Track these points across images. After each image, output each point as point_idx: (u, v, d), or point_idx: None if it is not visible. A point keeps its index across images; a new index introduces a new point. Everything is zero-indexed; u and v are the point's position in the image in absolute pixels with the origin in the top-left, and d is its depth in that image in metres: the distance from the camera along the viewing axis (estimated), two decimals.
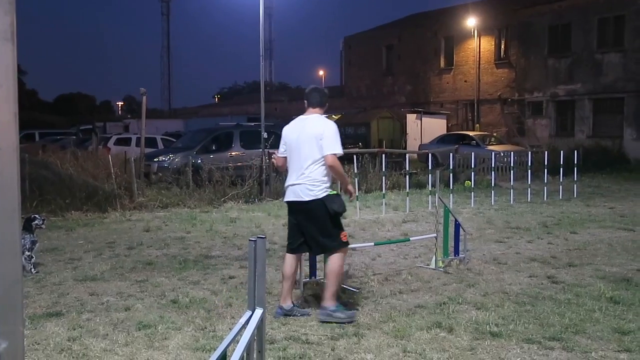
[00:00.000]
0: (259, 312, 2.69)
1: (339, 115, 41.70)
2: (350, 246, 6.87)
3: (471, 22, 33.84)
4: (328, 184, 5.51)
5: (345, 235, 5.59)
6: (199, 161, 16.43)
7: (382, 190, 13.41)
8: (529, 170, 15.04)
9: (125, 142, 24.92)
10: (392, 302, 6.07)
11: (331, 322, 5.31)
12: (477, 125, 33.92)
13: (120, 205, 12.43)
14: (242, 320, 2.67)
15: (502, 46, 33.88)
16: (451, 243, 7.75)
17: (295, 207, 5.58)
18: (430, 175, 13.95)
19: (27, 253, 7.09)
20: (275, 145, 17.66)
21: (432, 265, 7.49)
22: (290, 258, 5.74)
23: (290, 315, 5.56)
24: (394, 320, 5.44)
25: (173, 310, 5.77)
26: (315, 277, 6.65)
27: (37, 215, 7.64)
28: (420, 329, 5.18)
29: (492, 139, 26.12)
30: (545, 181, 14.96)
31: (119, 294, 6.36)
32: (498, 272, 7.28)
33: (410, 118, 32.20)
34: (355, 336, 5.03)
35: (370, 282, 6.81)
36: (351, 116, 34.80)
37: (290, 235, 5.76)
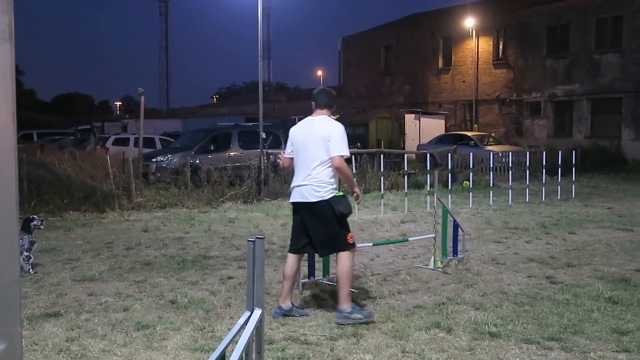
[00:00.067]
0: (257, 312, 2.69)
1: (337, 116, 41.69)
2: None
3: (469, 22, 33.85)
4: (334, 186, 5.50)
5: (351, 237, 5.58)
6: (197, 161, 16.42)
7: (380, 191, 13.41)
8: (527, 171, 15.05)
9: (124, 142, 24.91)
10: (390, 302, 6.07)
11: (349, 324, 5.29)
12: (476, 125, 33.93)
13: (119, 205, 12.42)
14: (241, 320, 2.67)
15: (501, 46, 33.89)
16: (450, 243, 7.75)
17: (301, 208, 5.56)
18: (428, 175, 13.95)
19: (25, 254, 7.08)
20: (274, 145, 17.81)
21: (431, 266, 7.49)
22: (292, 258, 5.74)
23: (289, 316, 5.55)
24: (392, 320, 5.44)
25: (172, 310, 5.76)
26: (314, 278, 6.65)
27: (35, 216, 7.63)
28: (419, 329, 5.18)
29: (491, 139, 26.13)
30: (544, 181, 14.97)
31: (117, 294, 6.36)
32: (496, 273, 7.28)
33: (409, 118, 32.20)
34: (354, 336, 5.03)
35: (369, 283, 6.81)
36: (349, 116, 34.78)
37: (294, 235, 5.75)
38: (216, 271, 7.39)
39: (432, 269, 7.40)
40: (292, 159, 5.72)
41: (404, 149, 28.68)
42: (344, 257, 5.49)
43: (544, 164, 15.12)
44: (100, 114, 70.91)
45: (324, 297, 6.27)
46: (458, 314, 5.62)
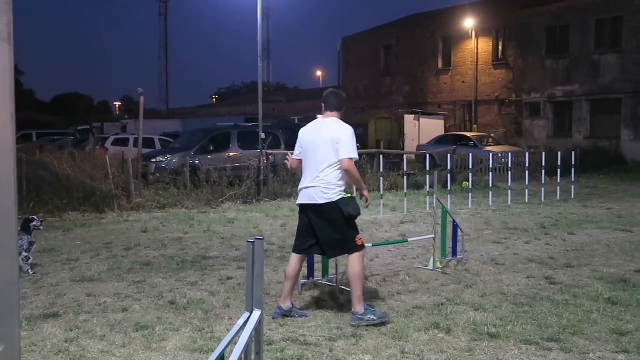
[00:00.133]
0: (256, 313, 2.68)
1: None
2: None
3: (469, 22, 33.86)
4: (343, 188, 5.48)
5: (360, 238, 5.57)
6: (197, 161, 16.42)
7: (379, 191, 13.40)
8: (527, 171, 15.06)
9: (123, 142, 24.90)
10: (390, 302, 6.07)
11: (363, 325, 5.28)
12: (475, 125, 33.94)
13: (118, 205, 12.41)
14: (240, 321, 2.66)
15: (500, 47, 33.90)
16: (449, 244, 7.75)
17: (309, 210, 5.55)
18: (427, 175, 13.96)
19: (24, 254, 7.08)
20: (273, 145, 17.78)
21: (430, 266, 7.49)
22: (295, 258, 5.74)
23: (288, 316, 5.55)
24: (391, 320, 5.44)
25: (170, 311, 5.75)
26: (312, 278, 6.65)
27: (34, 216, 7.62)
28: (418, 330, 5.18)
29: (490, 140, 26.15)
30: (543, 182, 14.98)
31: (116, 294, 6.35)
32: (496, 273, 7.28)
33: (408, 118, 32.20)
34: (353, 337, 5.03)
35: (368, 283, 6.80)
36: (349, 116, 34.74)
37: (299, 236, 5.74)
38: (215, 271, 7.39)
39: (432, 270, 7.40)
40: (300, 160, 5.70)
41: (403, 149, 28.68)
42: (353, 258, 5.48)
43: (543, 164, 15.13)
44: (99, 114, 70.83)
45: (323, 298, 6.27)
46: (457, 315, 5.62)
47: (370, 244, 8.02)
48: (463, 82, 35.48)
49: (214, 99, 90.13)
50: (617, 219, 11.60)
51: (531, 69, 31.56)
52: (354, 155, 5.45)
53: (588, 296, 6.18)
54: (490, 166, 15.94)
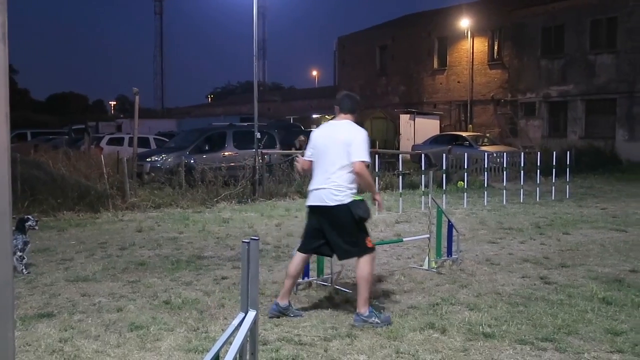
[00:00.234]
0: (252, 314, 2.68)
1: (332, 116, 41.71)
2: None
3: (465, 23, 33.91)
4: (354, 190, 5.46)
5: (370, 241, 5.56)
6: (192, 161, 16.41)
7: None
8: (522, 171, 15.08)
9: (118, 141, 24.83)
10: (385, 302, 6.07)
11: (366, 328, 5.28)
12: (470, 125, 33.99)
13: (113, 205, 12.39)
14: (235, 322, 2.66)
15: (496, 47, 33.97)
16: (444, 244, 7.75)
17: (319, 212, 5.53)
18: (423, 175, 13.97)
19: (18, 254, 7.06)
20: (269, 145, 17.76)
21: (425, 266, 7.50)
22: (299, 257, 5.73)
23: (284, 314, 5.55)
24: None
25: (165, 311, 5.74)
26: (308, 278, 6.64)
27: (29, 216, 7.60)
28: (413, 330, 5.18)
29: (485, 140, 26.19)
30: (538, 182, 15.01)
31: (111, 294, 6.34)
32: (491, 273, 7.29)
33: (404, 118, 32.22)
34: (349, 337, 5.02)
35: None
36: None
37: (307, 236, 5.72)
38: (210, 271, 7.38)
39: (427, 270, 7.40)
40: (311, 162, 5.68)
41: (398, 149, 28.70)
42: (363, 261, 5.47)
43: (538, 164, 15.16)
44: (94, 113, 70.72)
45: (318, 298, 6.26)
46: (452, 315, 5.62)
47: None
48: (459, 82, 35.53)
49: (210, 99, 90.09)
50: (612, 219, 11.63)
51: (527, 69, 31.63)
52: (366, 158, 5.43)
53: (583, 296, 6.19)
54: (486, 166, 15.96)
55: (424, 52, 37.40)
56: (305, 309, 5.82)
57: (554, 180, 15.20)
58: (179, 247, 8.97)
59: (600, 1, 28.33)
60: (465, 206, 13.47)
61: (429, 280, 6.98)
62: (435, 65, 36.96)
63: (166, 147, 20.02)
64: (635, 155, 25.61)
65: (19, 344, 4.73)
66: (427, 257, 7.57)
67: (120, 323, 5.36)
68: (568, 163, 15.74)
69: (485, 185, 14.96)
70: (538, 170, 15.18)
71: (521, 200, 14.27)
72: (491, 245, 9.10)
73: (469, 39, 34.28)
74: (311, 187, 5.62)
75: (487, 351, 4.72)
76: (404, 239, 8.57)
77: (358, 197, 5.47)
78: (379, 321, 5.32)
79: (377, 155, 14.21)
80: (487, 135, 28.30)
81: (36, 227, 7.61)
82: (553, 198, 14.75)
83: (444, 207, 10.44)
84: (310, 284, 6.64)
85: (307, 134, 22.39)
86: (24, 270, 7.10)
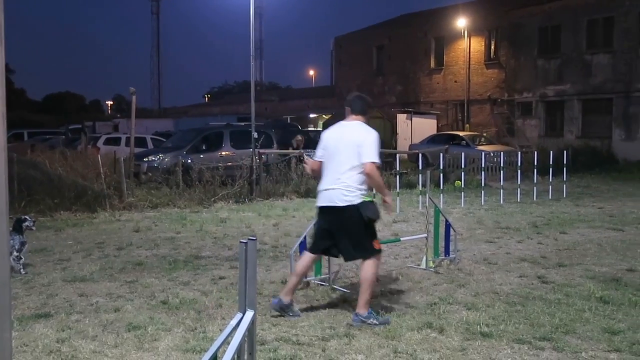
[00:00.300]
0: (249, 314, 2.68)
1: (330, 115, 41.69)
2: None
3: (461, 22, 33.92)
4: (364, 191, 5.45)
5: (378, 243, 5.55)
6: (189, 161, 16.39)
7: (372, 190, 13.38)
8: (519, 171, 15.10)
9: (115, 141, 24.82)
10: (382, 302, 6.06)
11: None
12: (467, 125, 34.01)
13: (110, 205, 12.37)
14: (233, 322, 2.66)
15: (492, 47, 33.98)
16: (442, 243, 7.75)
17: (329, 212, 5.52)
18: (420, 175, 13.98)
19: (15, 254, 7.04)
20: (266, 145, 17.75)
21: (423, 266, 7.50)
22: (308, 257, 5.74)
23: (284, 310, 5.55)
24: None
25: (163, 311, 5.73)
26: (305, 278, 6.63)
27: (27, 217, 7.58)
28: (411, 330, 5.18)
29: (482, 139, 26.20)
30: (535, 181, 15.02)
31: (108, 294, 6.33)
32: (488, 272, 7.29)
33: (401, 118, 32.22)
34: (346, 337, 5.02)
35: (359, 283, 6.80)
36: (341, 116, 34.65)
37: (316, 237, 5.74)
38: (208, 271, 7.37)
39: (424, 269, 7.41)
40: (321, 162, 5.67)
41: (396, 148, 28.70)
42: (368, 263, 5.47)
43: (535, 163, 15.18)
44: (91, 113, 70.61)
45: (315, 298, 6.26)
46: (450, 314, 5.62)
47: None
48: (455, 81, 35.55)
49: (207, 99, 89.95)
50: (609, 218, 11.65)
51: (523, 69, 31.65)
52: (377, 160, 5.42)
53: (580, 295, 6.19)
54: (483, 166, 15.97)
55: (420, 51, 37.41)
56: (303, 309, 5.81)
57: (551, 180, 15.21)
58: (176, 247, 8.96)
59: (597, 1, 28.35)
60: (462, 206, 13.48)
61: (427, 279, 6.98)
62: (432, 64, 36.97)
63: (163, 147, 20.01)
64: (632, 155, 25.66)
65: (16, 345, 4.72)
66: (424, 257, 7.57)
67: (118, 323, 5.36)
68: (565, 162, 15.76)
69: (483, 184, 14.97)
70: (535, 170, 15.19)
71: (518, 200, 14.29)
72: (488, 245, 9.11)
73: (466, 39, 34.29)
74: (321, 187, 5.61)
75: (485, 350, 4.72)
76: (402, 239, 8.57)
77: (368, 198, 5.46)
78: (377, 322, 5.32)
79: None
80: (484, 134, 28.32)
81: (33, 228, 7.59)
82: (550, 197, 14.77)
83: (441, 206, 10.44)
84: (308, 283, 6.64)
85: (305, 134, 22.48)
86: (22, 270, 7.08)
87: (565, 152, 16.37)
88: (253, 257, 2.71)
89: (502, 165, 15.49)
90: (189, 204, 13.14)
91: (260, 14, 71.55)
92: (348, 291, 6.41)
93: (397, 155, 15.90)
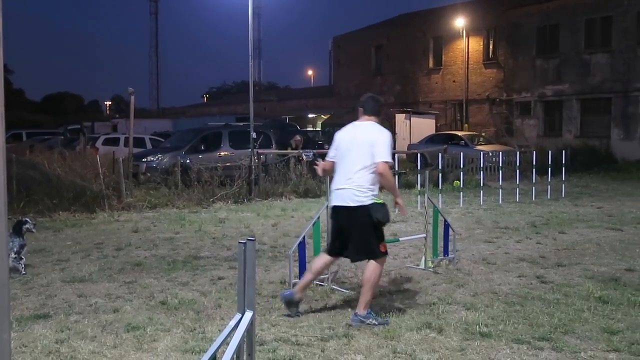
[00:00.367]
0: (248, 314, 2.67)
1: (328, 115, 41.73)
2: None
3: (460, 22, 33.94)
4: (375, 192, 5.45)
5: (384, 246, 5.56)
6: (188, 161, 16.38)
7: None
8: (518, 170, 15.10)
9: (114, 142, 24.81)
10: (381, 302, 6.06)
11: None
12: (466, 125, 34.02)
13: (109, 205, 12.36)
14: (232, 322, 2.66)
15: (491, 47, 34.00)
16: (440, 243, 7.76)
17: (341, 212, 5.53)
18: (419, 175, 13.98)
19: (13, 255, 7.03)
20: (265, 145, 17.74)
21: (422, 266, 7.50)
22: (325, 258, 5.76)
23: (290, 305, 5.58)
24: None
25: (162, 311, 5.73)
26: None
27: (28, 219, 7.58)
28: (410, 330, 5.18)
29: (481, 139, 26.21)
30: (534, 181, 15.03)
31: (107, 295, 6.32)
32: (487, 272, 7.29)
33: (399, 118, 32.23)
34: (345, 337, 5.02)
35: (360, 283, 6.79)
36: (340, 116, 34.83)
37: (332, 237, 5.76)
38: (207, 272, 7.37)
39: (423, 269, 7.41)
40: (333, 163, 5.68)
41: (394, 148, 28.69)
42: (372, 265, 5.48)
43: (534, 163, 15.18)
44: (90, 113, 70.49)
45: (315, 298, 6.25)
46: (449, 314, 5.62)
47: None
48: (454, 81, 35.56)
49: (205, 99, 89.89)
50: (608, 218, 11.65)
51: (522, 69, 31.68)
52: (390, 159, 5.43)
53: (579, 295, 6.20)
54: (481, 165, 15.97)
55: (419, 51, 37.42)
56: (302, 309, 5.81)
57: (549, 180, 15.22)
58: (175, 247, 8.95)
59: (595, 0, 28.39)
60: (461, 205, 13.48)
61: (426, 279, 6.98)
62: (431, 64, 36.98)
63: (162, 147, 19.99)
64: (631, 154, 25.69)
65: (15, 345, 4.72)
66: (423, 257, 7.57)
67: (117, 324, 5.35)
68: (563, 162, 15.76)
69: (481, 184, 14.97)
70: (534, 170, 15.19)
71: (517, 200, 14.29)
72: (487, 245, 9.11)
73: (464, 39, 34.31)
74: (333, 187, 5.63)
75: (484, 351, 4.72)
76: (401, 239, 8.56)
77: (379, 201, 5.46)
78: (376, 323, 5.32)
79: None
80: (483, 134, 28.32)
81: (34, 230, 7.60)
82: (549, 197, 14.78)
83: (440, 206, 10.45)
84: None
85: (303, 134, 22.46)
86: (23, 270, 7.08)
87: (563, 151, 16.37)
88: (252, 257, 2.71)
89: (500, 165, 15.49)
90: (187, 205, 13.14)
91: (258, 14, 71.47)
92: (347, 291, 6.41)
93: (396, 155, 15.89)
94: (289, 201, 14.24)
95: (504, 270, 7.42)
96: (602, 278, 6.94)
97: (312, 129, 38.19)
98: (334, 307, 5.91)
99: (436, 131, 31.34)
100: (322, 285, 6.61)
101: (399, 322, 5.39)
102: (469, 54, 34.54)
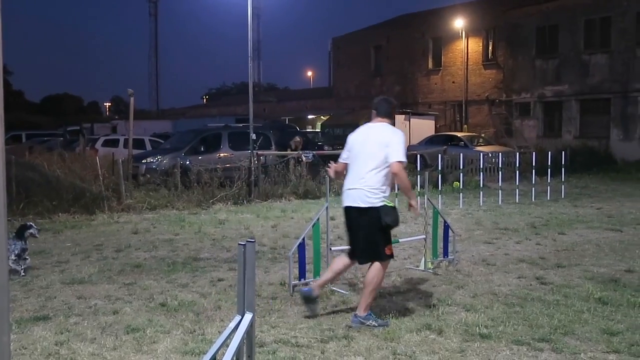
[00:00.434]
0: (248, 316, 2.67)
1: (328, 116, 41.70)
2: (338, 248, 6.87)
3: (459, 23, 33.94)
4: (386, 194, 5.45)
5: (390, 249, 5.55)
6: (188, 162, 16.38)
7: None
8: (517, 171, 15.10)
9: (113, 143, 24.80)
10: (381, 304, 6.06)
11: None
12: (465, 126, 34.01)
13: (108, 207, 12.36)
14: (232, 324, 2.65)
15: (490, 47, 34.00)
16: (440, 244, 7.76)
17: (351, 212, 5.54)
18: (418, 176, 13.97)
19: (13, 257, 7.02)
20: (264, 146, 17.73)
21: (422, 267, 7.50)
22: (346, 260, 5.75)
23: (308, 301, 5.63)
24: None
25: (162, 313, 5.73)
26: (304, 279, 6.63)
27: (32, 224, 7.59)
28: (409, 331, 5.17)
29: (480, 140, 26.22)
30: (533, 182, 15.03)
31: (107, 297, 6.32)
32: (487, 274, 7.29)
33: (399, 119, 32.15)
34: (345, 339, 5.02)
35: (359, 284, 6.78)
36: (340, 117, 34.79)
37: (349, 240, 5.76)
38: (206, 273, 7.37)
39: (423, 270, 7.41)
40: (345, 164, 5.69)
41: None
42: (376, 267, 5.48)
43: (533, 164, 15.18)
44: (89, 114, 70.51)
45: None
46: (449, 316, 5.62)
47: None
48: (453, 82, 35.56)
49: (205, 100, 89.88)
50: (608, 219, 11.65)
51: (521, 69, 31.68)
52: (404, 159, 5.42)
53: (579, 296, 6.20)
54: (481, 166, 15.98)
55: (418, 52, 37.42)
56: (302, 310, 5.81)
57: (549, 180, 15.22)
58: (174, 249, 8.95)
59: (594, 1, 28.39)
60: (461, 207, 13.48)
61: (425, 281, 6.98)
62: (430, 65, 36.98)
63: (161, 149, 20.00)
64: (630, 155, 25.70)
65: (15, 347, 4.71)
66: (423, 258, 7.57)
67: (117, 326, 5.35)
68: (563, 163, 15.77)
69: (481, 185, 14.97)
70: (533, 170, 15.20)
71: (517, 201, 14.29)
72: (487, 246, 9.11)
73: (464, 39, 34.32)
74: (345, 187, 5.62)
75: (484, 352, 4.72)
76: (400, 240, 8.54)
77: (390, 204, 5.45)
78: (376, 324, 5.32)
79: None
80: (482, 135, 28.33)
81: (37, 235, 7.61)
82: (548, 198, 14.78)
83: (439, 207, 10.44)
84: (306, 285, 6.62)
85: (303, 135, 22.44)
86: (22, 272, 7.07)
87: (563, 152, 16.38)
88: (252, 259, 2.71)
89: (500, 166, 15.50)
90: (187, 206, 13.14)
91: (258, 15, 71.41)
92: (347, 293, 6.41)
93: None
94: (289, 202, 14.24)
95: (504, 271, 7.42)
96: (602, 279, 6.94)
97: (311, 130, 38.19)
98: (333, 309, 5.91)
99: (435, 132, 31.32)
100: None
101: (399, 323, 5.39)
102: (469, 54, 34.54)
